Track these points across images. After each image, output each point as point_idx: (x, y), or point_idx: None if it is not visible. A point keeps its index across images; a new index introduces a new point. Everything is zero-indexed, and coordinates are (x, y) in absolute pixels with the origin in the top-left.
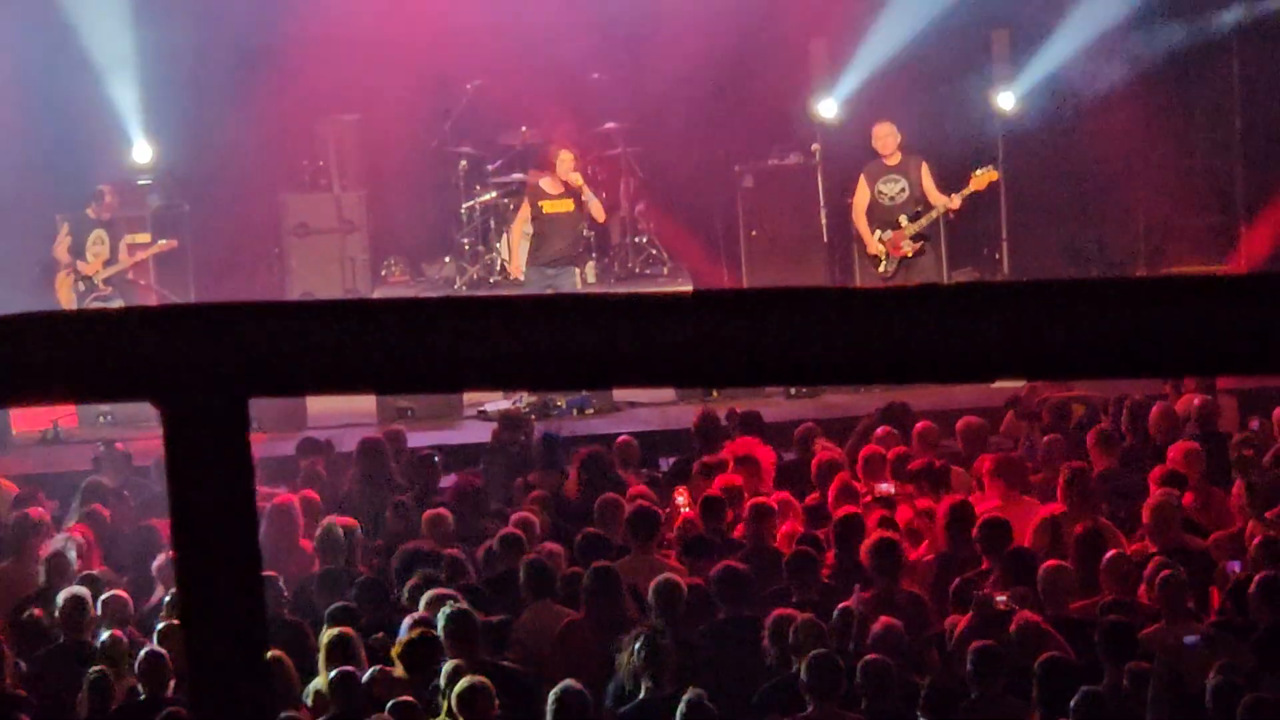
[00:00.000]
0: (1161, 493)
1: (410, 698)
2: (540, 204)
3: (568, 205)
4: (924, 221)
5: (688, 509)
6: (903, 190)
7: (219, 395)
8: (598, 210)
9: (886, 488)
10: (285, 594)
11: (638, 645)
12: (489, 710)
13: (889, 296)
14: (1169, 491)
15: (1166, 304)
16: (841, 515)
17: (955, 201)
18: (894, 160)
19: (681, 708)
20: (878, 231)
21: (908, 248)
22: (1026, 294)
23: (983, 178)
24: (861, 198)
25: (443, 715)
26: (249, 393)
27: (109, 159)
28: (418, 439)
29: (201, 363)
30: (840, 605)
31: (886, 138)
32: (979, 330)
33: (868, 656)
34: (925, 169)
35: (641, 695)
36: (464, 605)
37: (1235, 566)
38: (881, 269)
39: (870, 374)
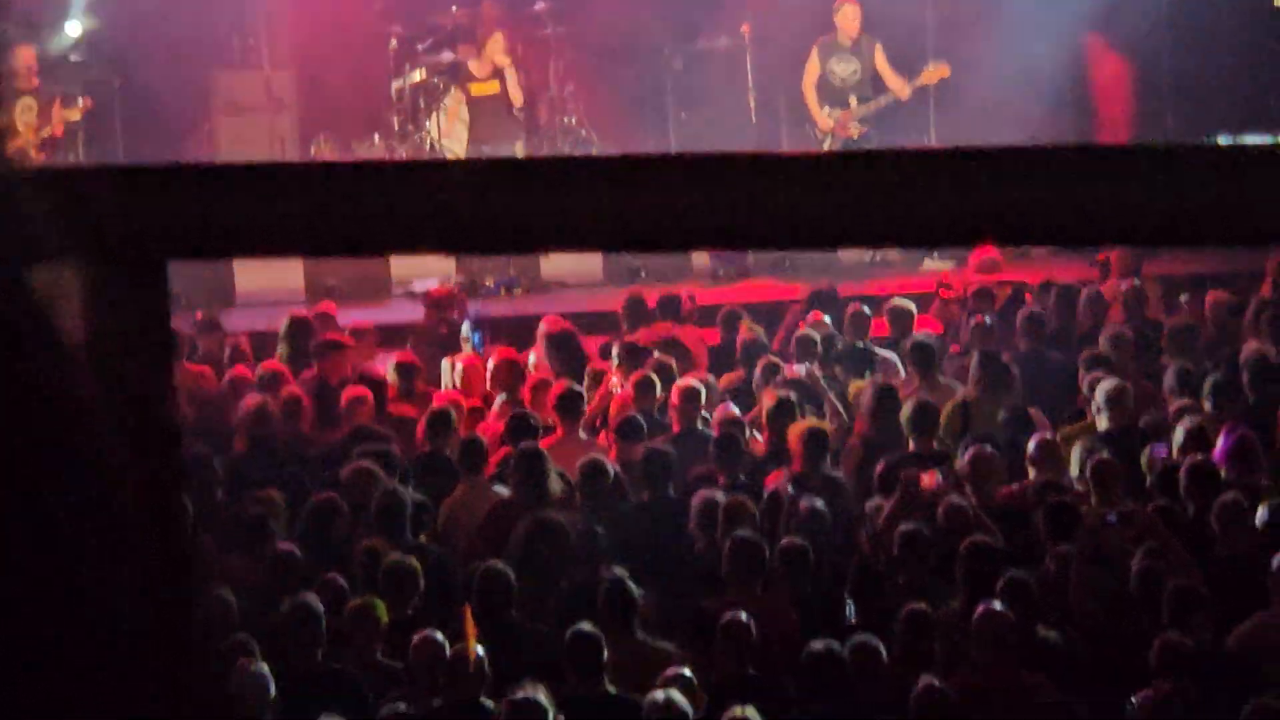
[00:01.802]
0: (1103, 374)
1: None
2: (469, 86)
3: (494, 87)
4: (873, 105)
5: (618, 390)
6: (855, 72)
7: (137, 258)
8: (516, 94)
9: (801, 369)
10: (219, 473)
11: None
12: (414, 590)
13: (826, 161)
14: (1115, 381)
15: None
16: (768, 400)
17: (905, 90)
18: (850, 40)
19: (604, 586)
20: (826, 108)
21: (854, 129)
22: (958, 159)
23: (934, 72)
24: (811, 71)
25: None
26: (168, 256)
27: (40, 34)
28: (345, 318)
29: (119, 225)
30: (767, 489)
31: (850, 19)
32: (915, 197)
33: (788, 539)
34: (880, 52)
35: (565, 583)
36: (393, 485)
37: (1161, 451)
38: (826, 147)
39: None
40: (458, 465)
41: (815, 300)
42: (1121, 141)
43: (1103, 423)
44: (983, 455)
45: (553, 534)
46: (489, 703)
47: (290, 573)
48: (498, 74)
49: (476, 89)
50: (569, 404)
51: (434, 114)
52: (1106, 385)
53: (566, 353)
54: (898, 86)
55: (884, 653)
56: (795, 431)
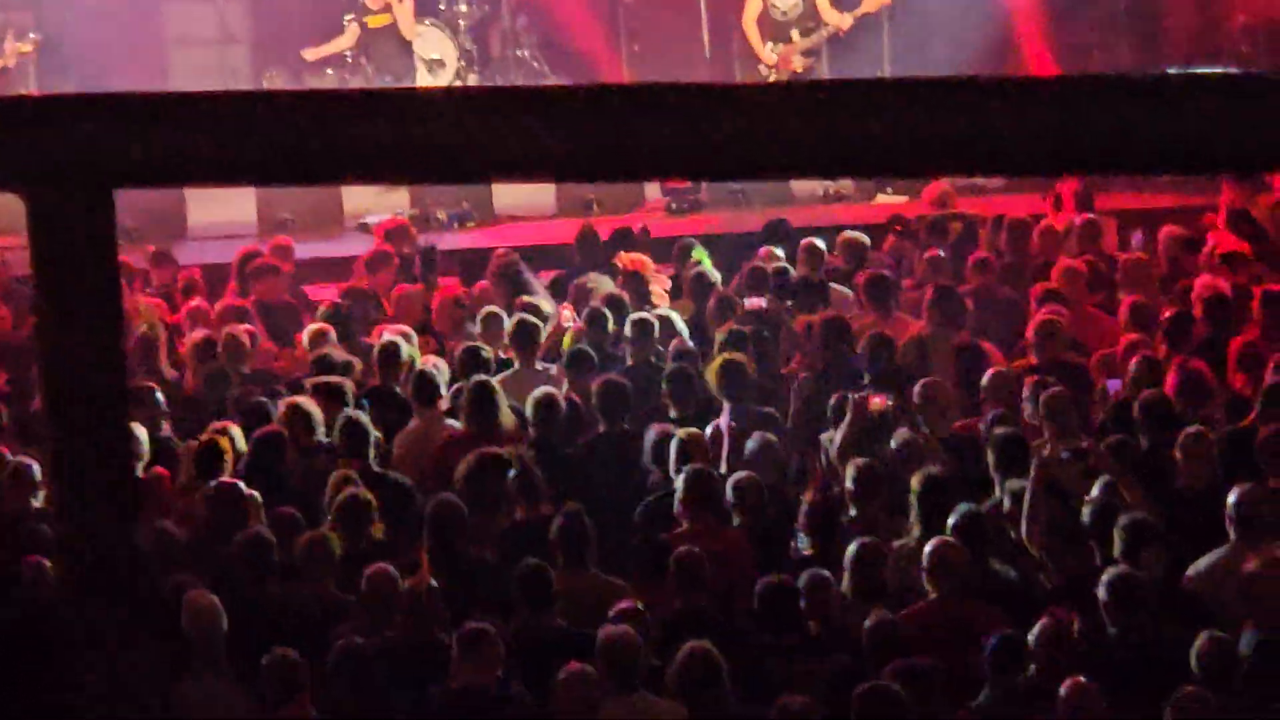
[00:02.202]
0: (1046, 310)
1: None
2: (365, 19)
3: (386, 19)
4: (814, 38)
5: (571, 323)
6: (796, 5)
7: (84, 186)
8: (408, 27)
9: (759, 302)
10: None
11: (510, 471)
12: (368, 523)
13: (772, 92)
14: (1052, 309)
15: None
16: (724, 331)
17: (846, 21)
18: None
19: (558, 521)
20: (769, 44)
21: (798, 63)
22: (905, 91)
23: (875, 1)
24: (752, 6)
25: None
26: (114, 184)
27: None
28: (298, 251)
29: (65, 153)
30: (713, 423)
31: None
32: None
33: (740, 473)
34: None
35: (518, 516)
36: (356, 414)
37: (1115, 385)
38: (770, 80)
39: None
40: (410, 399)
41: (768, 233)
42: (1071, 69)
43: (1035, 358)
44: (935, 387)
45: (495, 469)
46: (442, 635)
47: (241, 506)
48: (387, 7)
49: (372, 21)
50: (524, 336)
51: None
52: (1037, 321)
53: (513, 286)
54: (836, 20)
55: (836, 586)
56: (712, 368)
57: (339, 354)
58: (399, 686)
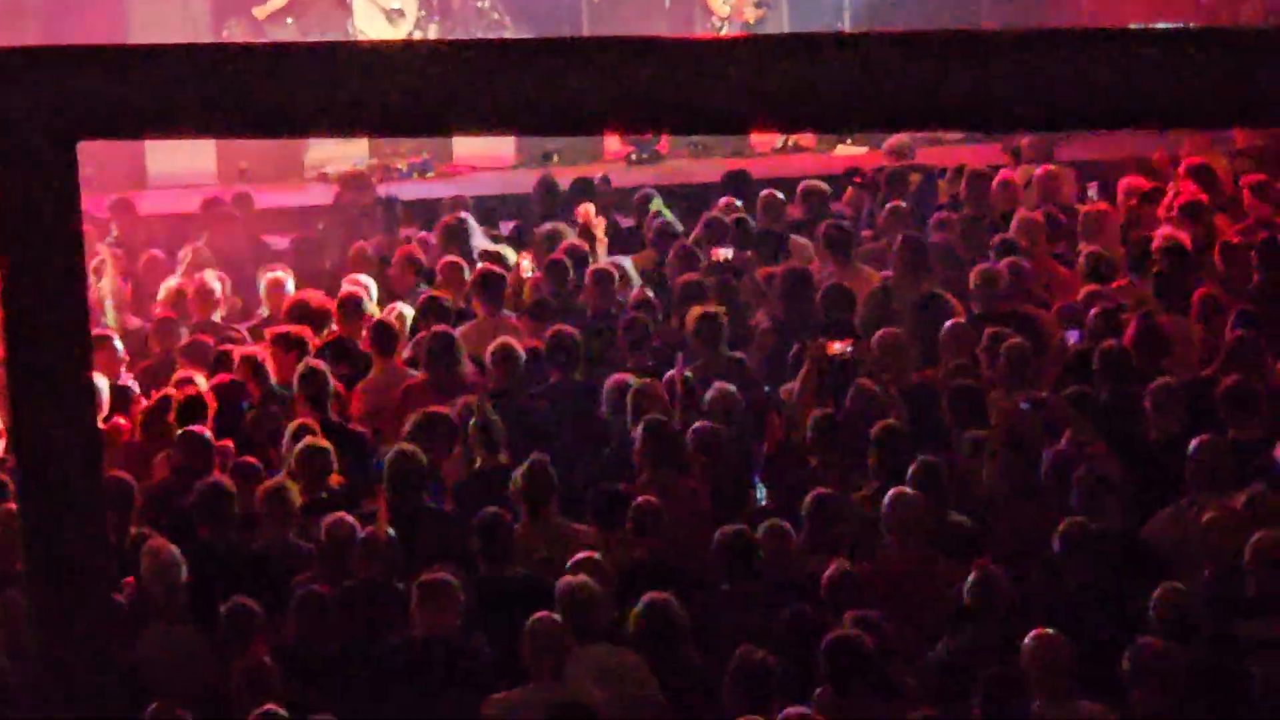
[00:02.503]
0: (991, 261)
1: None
2: None
3: None
4: None
5: (531, 273)
6: None
7: (47, 137)
8: None
9: (726, 253)
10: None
11: (470, 419)
12: (327, 472)
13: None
14: (1012, 260)
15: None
16: (682, 282)
17: None
18: None
19: (521, 470)
20: None
21: (750, 14)
22: (859, 44)
23: None
24: None
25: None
26: (77, 135)
27: None
28: (259, 201)
29: (29, 104)
30: (668, 374)
31: None
32: (818, 79)
33: (700, 423)
34: None
35: (477, 465)
36: (315, 363)
37: (1073, 336)
38: (723, 32)
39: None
40: (370, 348)
41: (728, 183)
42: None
43: (976, 309)
44: (892, 338)
45: (440, 422)
46: (400, 584)
47: (202, 455)
48: None
49: None
50: (488, 287)
51: None
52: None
53: (459, 241)
54: None
55: (795, 536)
56: (691, 316)
57: (300, 303)
58: (358, 635)
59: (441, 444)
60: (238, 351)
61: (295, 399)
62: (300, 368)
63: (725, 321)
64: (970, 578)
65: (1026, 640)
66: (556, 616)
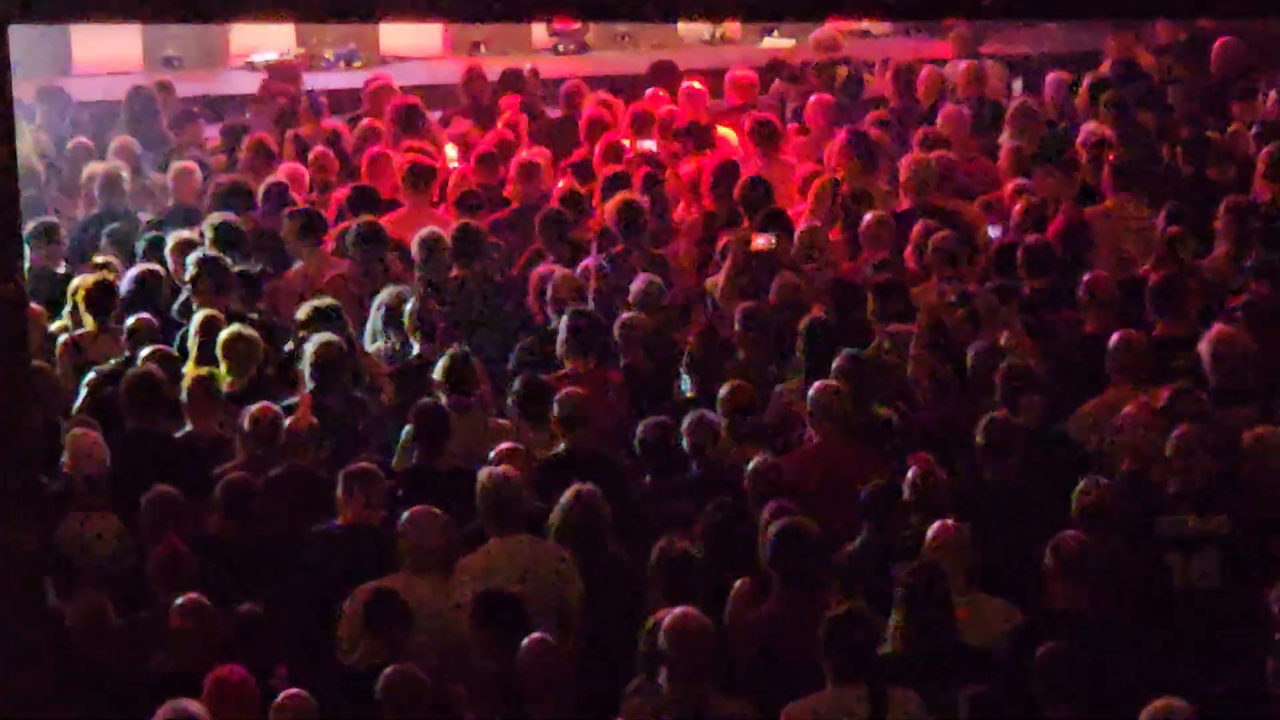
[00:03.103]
0: (918, 153)
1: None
2: None
3: None
4: None
5: (458, 163)
6: None
7: None
8: None
9: (650, 145)
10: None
11: (407, 307)
12: (254, 358)
13: None
14: (940, 155)
15: None
16: (608, 174)
17: None
18: None
19: (443, 362)
20: None
21: None
22: None
23: None
24: None
25: (190, 363)
26: (8, 19)
27: None
28: (185, 90)
29: None
30: (583, 262)
31: None
32: None
33: (626, 314)
34: None
35: (402, 351)
36: (214, 252)
37: (995, 230)
38: None
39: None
40: (296, 238)
41: (654, 74)
42: None
43: (904, 202)
44: (817, 231)
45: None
46: (326, 474)
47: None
48: None
49: None
50: (417, 177)
51: None
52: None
53: (411, 129)
54: None
55: (720, 428)
56: (611, 206)
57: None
58: (282, 524)
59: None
60: (173, 238)
61: (197, 288)
62: (196, 256)
63: (648, 211)
64: (912, 472)
65: (931, 532)
66: (436, 511)
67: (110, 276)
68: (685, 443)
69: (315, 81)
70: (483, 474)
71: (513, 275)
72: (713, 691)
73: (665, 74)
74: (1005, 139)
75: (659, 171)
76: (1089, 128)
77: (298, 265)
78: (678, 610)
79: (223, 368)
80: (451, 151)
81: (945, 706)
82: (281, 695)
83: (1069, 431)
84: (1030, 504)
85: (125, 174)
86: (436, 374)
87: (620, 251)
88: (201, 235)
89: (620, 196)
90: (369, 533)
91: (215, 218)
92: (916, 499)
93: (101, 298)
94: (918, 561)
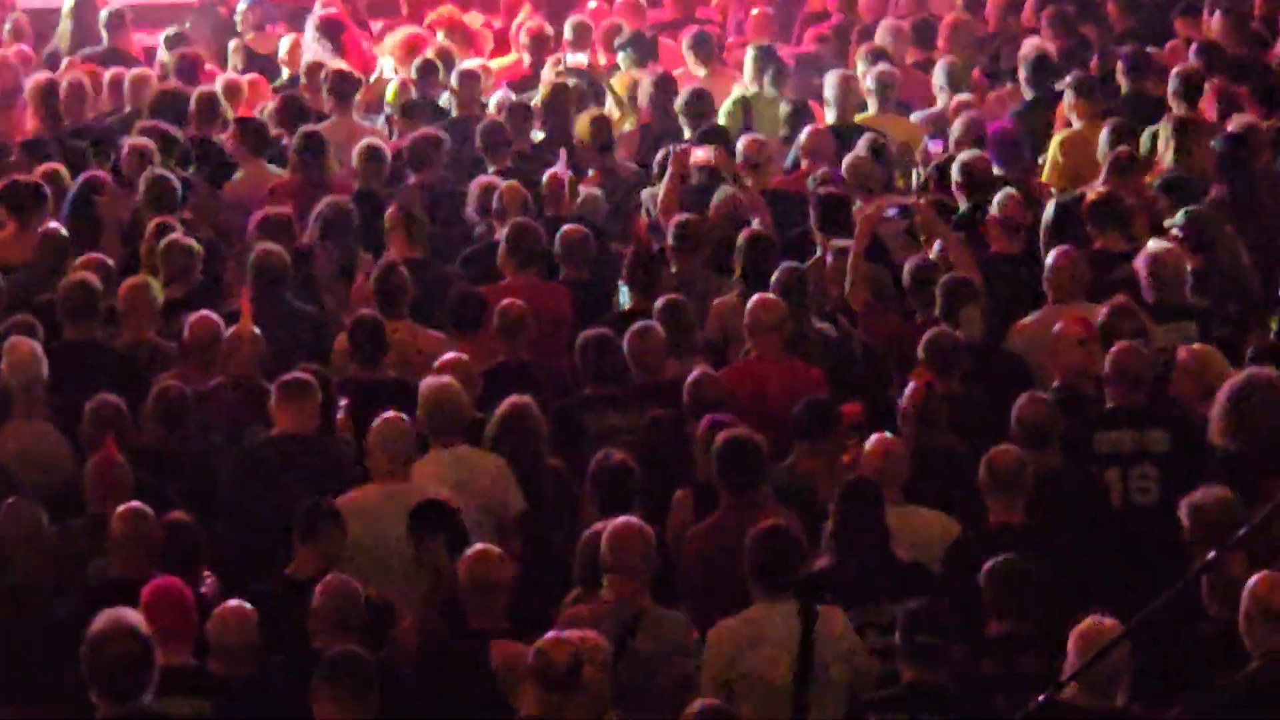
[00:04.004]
0: (849, 69)
1: None
2: None
3: None
4: None
5: (397, 72)
6: None
7: None
8: None
9: (577, 59)
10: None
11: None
12: (191, 271)
13: None
14: (879, 68)
15: None
16: (550, 87)
17: None
18: None
19: (376, 273)
20: None
21: None
22: None
23: None
24: None
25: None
26: None
27: None
28: None
29: None
30: (548, 173)
31: None
32: None
33: (566, 225)
34: None
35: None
36: (163, 171)
37: (936, 145)
38: None
39: None
40: (238, 148)
41: None
42: None
43: (829, 117)
44: (757, 143)
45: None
46: (264, 382)
47: (60, 249)
48: None
49: None
50: (342, 87)
51: None
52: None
53: (334, 41)
54: None
55: (660, 337)
56: (581, 120)
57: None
58: (219, 433)
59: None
60: (128, 142)
61: (143, 203)
62: (146, 174)
63: (611, 125)
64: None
65: (868, 445)
66: (404, 416)
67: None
68: (624, 353)
69: None
70: (424, 384)
71: (452, 183)
72: (652, 601)
73: None
74: (941, 55)
75: (598, 82)
76: (1031, 42)
77: (239, 175)
78: (619, 520)
79: (160, 276)
80: (388, 61)
81: (880, 620)
82: (222, 605)
83: (1008, 346)
84: (970, 419)
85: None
86: (370, 285)
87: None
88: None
89: (591, 112)
90: (305, 442)
91: (152, 126)
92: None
93: (21, 199)
94: (852, 474)
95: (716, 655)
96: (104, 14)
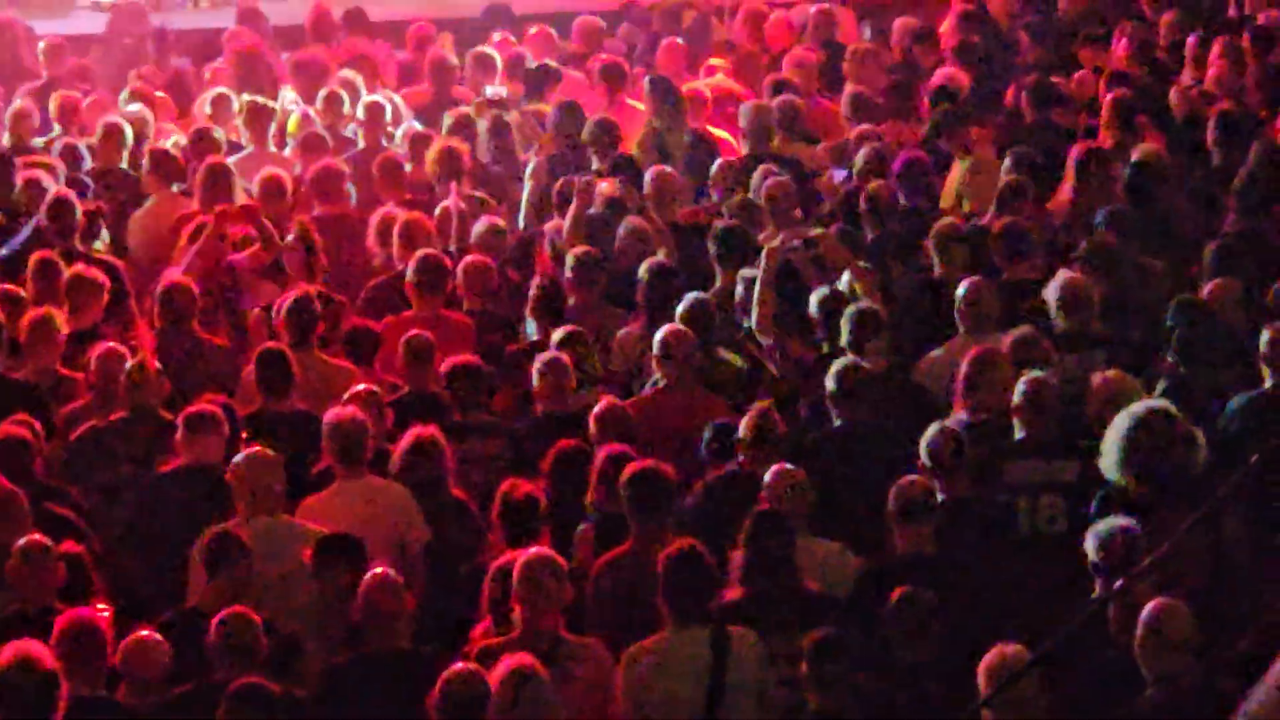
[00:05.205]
0: (758, 99)
1: None
2: None
3: None
4: None
5: (296, 105)
6: None
7: None
8: None
9: (496, 90)
10: None
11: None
12: (97, 301)
13: None
14: (784, 100)
15: None
16: (457, 117)
17: None
18: None
19: (286, 304)
20: None
21: None
22: None
23: None
24: None
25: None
26: None
27: None
28: (36, 29)
29: None
30: (440, 205)
31: None
32: None
33: (469, 256)
34: None
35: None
36: (65, 192)
37: (839, 175)
38: None
39: None
40: (149, 178)
41: (490, 16)
42: None
43: (744, 148)
44: (663, 175)
45: None
46: (168, 415)
47: None
48: None
49: None
50: (256, 118)
51: None
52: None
53: (253, 71)
54: None
55: (567, 367)
56: (432, 153)
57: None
58: (124, 462)
59: None
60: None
61: (45, 229)
62: (49, 197)
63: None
64: (750, 413)
65: (769, 476)
66: (269, 451)
67: None
68: (533, 384)
69: (164, 21)
70: (329, 415)
71: (356, 215)
72: (564, 631)
73: (500, 17)
74: (847, 84)
75: (504, 113)
76: (945, 72)
77: (148, 204)
78: (531, 551)
79: (65, 307)
80: (290, 94)
81: (790, 651)
82: (133, 636)
83: (918, 376)
84: (878, 449)
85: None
86: (278, 317)
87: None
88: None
89: (442, 142)
90: (209, 473)
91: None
92: (752, 439)
93: None
94: (760, 505)
95: (629, 682)
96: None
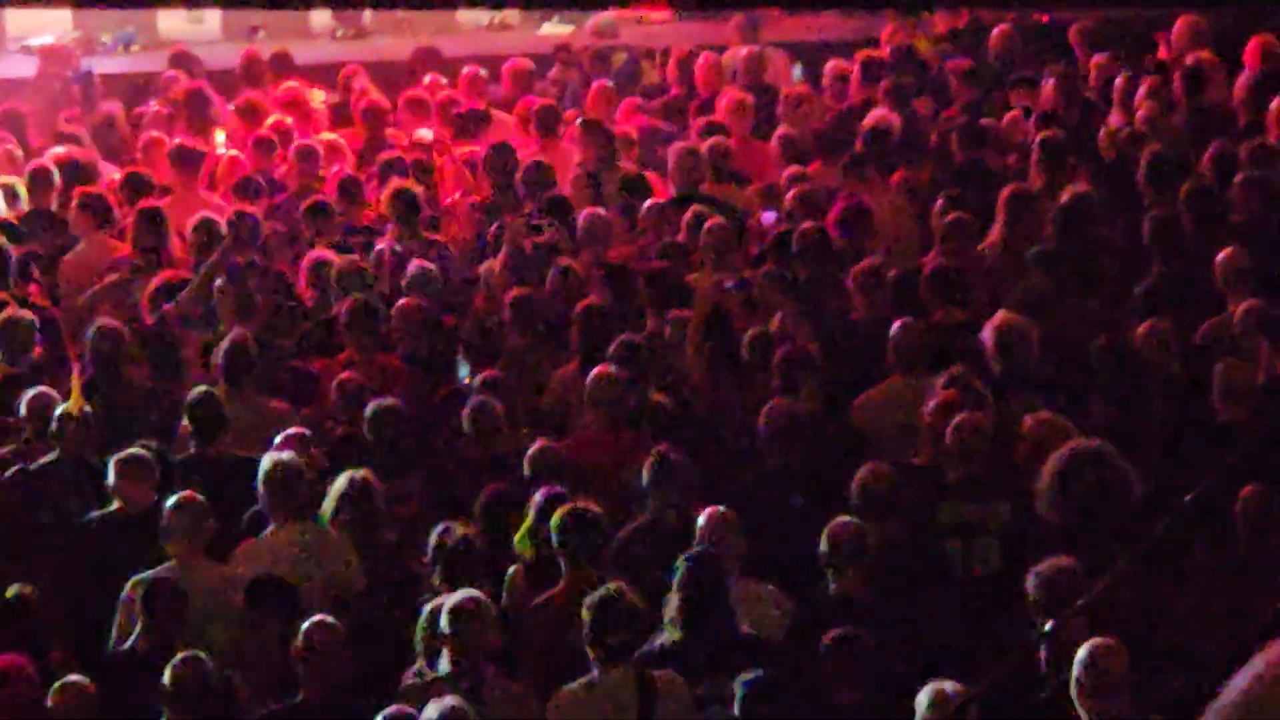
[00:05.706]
0: (687, 141)
1: None
2: None
3: None
4: None
5: (226, 149)
6: None
7: None
8: None
9: (426, 133)
10: None
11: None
12: (28, 346)
13: None
14: (715, 142)
15: None
16: (384, 159)
17: None
18: None
19: (222, 346)
20: None
21: None
22: None
23: None
24: None
25: None
26: None
27: None
28: None
29: None
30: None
31: None
32: None
33: (403, 300)
34: None
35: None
36: None
37: (770, 217)
38: None
39: None
40: (78, 222)
41: (418, 61)
42: None
43: (673, 189)
44: (596, 217)
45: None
46: (98, 460)
47: None
48: None
49: None
50: (185, 161)
51: None
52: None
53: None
54: None
55: (497, 411)
56: (386, 193)
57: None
58: (54, 510)
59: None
60: None
61: None
62: None
63: (421, 198)
64: (650, 459)
65: (702, 519)
66: (198, 496)
67: None
68: (467, 427)
69: (93, 65)
70: (265, 460)
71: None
72: (494, 673)
73: (428, 61)
74: (779, 127)
75: (430, 158)
76: (876, 114)
77: (79, 247)
78: (459, 593)
79: None
80: (220, 137)
81: (724, 695)
82: (60, 682)
83: (850, 418)
84: (810, 490)
85: None
86: (213, 359)
87: (398, 237)
88: None
89: (395, 184)
90: (141, 519)
91: None
92: (655, 482)
93: None
94: (693, 548)
95: None
96: None
